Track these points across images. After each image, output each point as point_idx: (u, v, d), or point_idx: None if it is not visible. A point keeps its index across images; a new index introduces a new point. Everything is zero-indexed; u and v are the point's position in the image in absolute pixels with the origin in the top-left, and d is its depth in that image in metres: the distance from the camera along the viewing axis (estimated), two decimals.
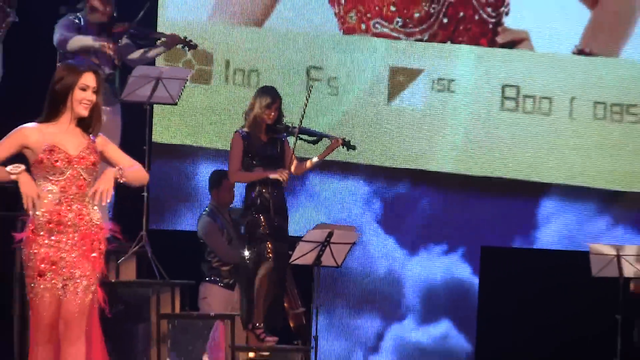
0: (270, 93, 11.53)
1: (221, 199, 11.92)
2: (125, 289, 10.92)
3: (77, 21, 11.68)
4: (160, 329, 10.90)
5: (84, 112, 7.87)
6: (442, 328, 14.14)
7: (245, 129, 11.32)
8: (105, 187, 7.80)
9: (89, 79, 7.94)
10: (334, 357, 14.16)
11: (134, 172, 8.16)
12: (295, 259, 11.15)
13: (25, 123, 8.07)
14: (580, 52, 13.83)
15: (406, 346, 14.22)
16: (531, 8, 13.88)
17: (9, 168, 7.75)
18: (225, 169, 12.01)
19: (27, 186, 7.85)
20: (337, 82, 13.96)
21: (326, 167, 13.57)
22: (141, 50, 11.99)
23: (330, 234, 11.14)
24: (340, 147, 11.45)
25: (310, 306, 11.51)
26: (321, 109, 13.75)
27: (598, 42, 13.91)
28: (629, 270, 11.96)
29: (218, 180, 11.98)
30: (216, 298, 11.72)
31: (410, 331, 14.14)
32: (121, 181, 8.06)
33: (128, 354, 10.89)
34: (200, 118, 14.13)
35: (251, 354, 11.25)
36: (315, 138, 11.53)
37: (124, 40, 11.68)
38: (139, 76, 11.51)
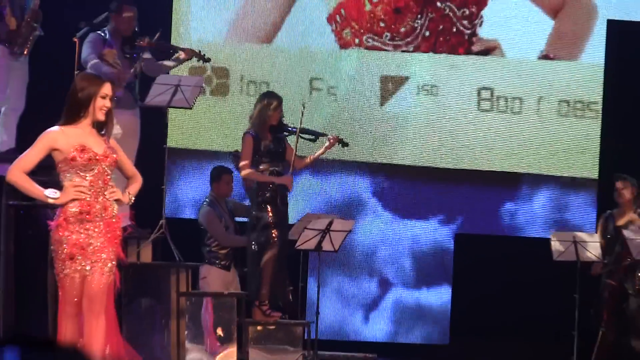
0: (274, 97, 12.05)
1: (220, 192, 12.43)
2: (148, 270, 11.26)
3: (102, 35, 11.99)
4: (179, 305, 11.24)
5: (102, 117, 8.34)
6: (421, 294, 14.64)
7: (254, 130, 11.82)
8: (120, 204, 8.46)
9: (107, 88, 8.42)
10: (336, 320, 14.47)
11: (135, 189, 8.62)
12: (300, 244, 11.69)
13: (43, 128, 8.74)
14: (545, 57, 14.44)
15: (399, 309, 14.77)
16: (501, 19, 14.48)
17: (47, 192, 8.28)
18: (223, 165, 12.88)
19: (67, 197, 8.26)
20: (336, 90, 14.50)
21: (329, 163, 14.36)
22: (161, 62, 12.22)
23: (330, 223, 11.67)
24: (336, 144, 12.11)
25: (299, 285, 12.12)
26: (323, 113, 14.37)
27: (560, 47, 14.54)
28: (583, 255, 12.40)
29: (218, 175, 12.52)
30: (214, 278, 12.19)
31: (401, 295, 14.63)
32: (129, 203, 8.71)
33: (151, 327, 11.28)
34: (218, 125, 14.56)
35: (259, 327, 11.68)
36: (313, 137, 12.08)
37: (146, 54, 11.98)
38: (160, 83, 11.78)
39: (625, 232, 12.40)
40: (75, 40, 11.76)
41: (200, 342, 11.67)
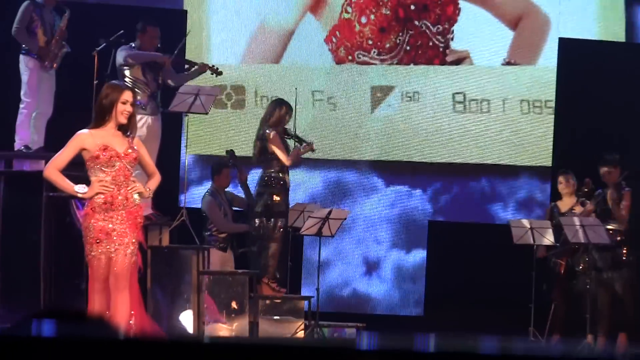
0: (289, 106, 12.48)
1: (220, 183, 12.74)
2: (172, 252, 11.72)
3: (133, 46, 12.22)
4: (199, 282, 11.63)
5: (124, 120, 8.55)
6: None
7: (278, 130, 12.24)
8: (142, 197, 8.66)
9: (128, 95, 8.65)
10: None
11: (154, 185, 8.85)
12: (304, 231, 12.09)
13: (66, 130, 9.15)
14: (508, 63, 14.79)
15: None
16: (470, 33, 14.80)
17: (77, 188, 8.56)
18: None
19: (93, 191, 8.43)
20: (334, 99, 14.84)
21: (330, 161, 14.84)
22: (180, 74, 12.60)
23: (329, 212, 12.07)
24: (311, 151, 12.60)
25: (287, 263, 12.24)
26: (324, 119, 14.78)
27: (520, 54, 14.82)
28: (539, 239, 12.52)
29: (218, 169, 12.82)
30: (214, 258, 12.22)
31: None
32: (148, 197, 8.99)
33: (177, 301, 11.68)
34: (237, 133, 14.80)
35: (267, 301, 12.01)
36: (300, 142, 12.57)
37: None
38: (182, 92, 12.15)
39: (562, 219, 12.48)
40: (94, 54, 11.97)
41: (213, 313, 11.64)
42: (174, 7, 14.45)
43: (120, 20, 12.88)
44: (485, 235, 14.01)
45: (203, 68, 12.67)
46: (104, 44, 12.12)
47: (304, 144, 12.31)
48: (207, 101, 12.25)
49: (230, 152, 13.11)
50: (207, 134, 14.54)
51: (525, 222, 12.69)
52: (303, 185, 14.65)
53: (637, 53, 14.26)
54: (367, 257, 14.88)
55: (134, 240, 8.58)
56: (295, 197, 13.72)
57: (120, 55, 11.98)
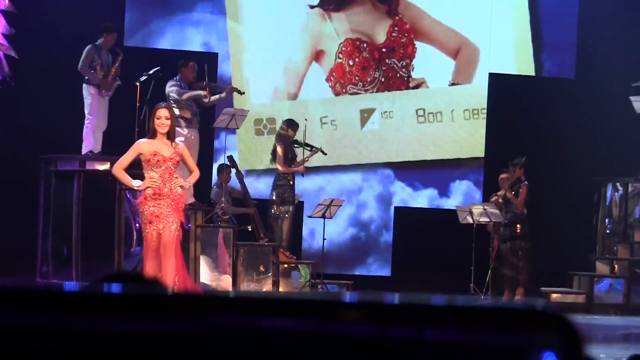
0: (295, 124, 12.79)
1: (223, 179, 12.71)
2: (216, 230, 11.91)
3: (182, 86, 12.17)
4: (236, 253, 11.92)
5: (162, 131, 8.48)
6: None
7: (284, 144, 12.48)
8: (183, 188, 8.64)
9: (161, 112, 8.55)
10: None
11: (194, 179, 8.76)
12: (315, 214, 12.66)
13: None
14: (452, 84, 15.01)
15: None
16: (425, 64, 15.04)
17: (134, 182, 8.53)
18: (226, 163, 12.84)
19: (144, 185, 8.48)
20: (335, 121, 14.93)
21: (331, 166, 14.65)
22: (214, 96, 12.42)
23: (332, 200, 12.67)
24: (319, 152, 12.78)
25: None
26: (330, 136, 14.75)
27: (460, 76, 15.04)
28: (476, 219, 12.44)
29: (222, 169, 12.82)
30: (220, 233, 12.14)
31: None
32: (188, 188, 9.06)
33: (219, 266, 11.84)
34: (264, 154, 14.22)
35: (285, 265, 12.41)
36: (309, 147, 12.69)
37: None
38: (224, 113, 12.28)
39: (486, 204, 12.87)
40: (137, 84, 12.03)
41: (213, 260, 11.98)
42: (208, 50, 14.47)
43: (158, 59, 13.12)
44: (439, 216, 14.27)
45: (232, 91, 12.89)
46: (145, 76, 12.20)
47: (314, 149, 12.79)
48: (239, 120, 12.49)
49: (230, 157, 13.13)
50: (253, 153, 14.57)
51: (466, 207, 12.91)
52: (317, 180, 14.67)
53: (540, 84, 14.94)
54: (353, 232, 14.96)
55: (177, 221, 8.52)
56: (311, 190, 14.25)
57: (170, 88, 12.13)
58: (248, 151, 14.51)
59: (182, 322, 1.16)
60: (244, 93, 13.09)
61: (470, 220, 12.58)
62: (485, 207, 12.53)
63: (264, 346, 1.12)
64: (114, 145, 12.01)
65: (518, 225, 12.69)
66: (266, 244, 12.44)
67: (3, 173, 13.16)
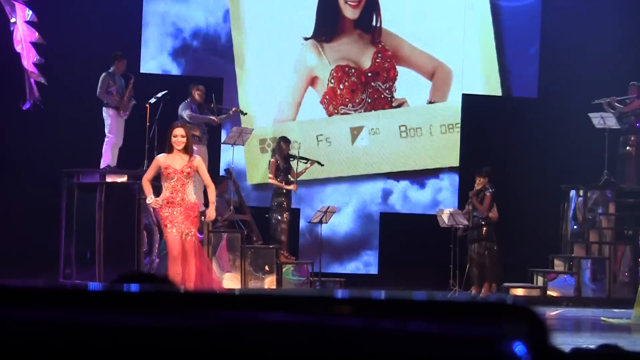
0: (288, 140, 12.89)
1: (221, 189, 12.48)
2: (218, 234, 11.99)
3: (193, 108, 12.24)
4: (244, 255, 12.02)
5: (178, 147, 8.55)
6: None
7: (276, 158, 12.59)
8: (209, 217, 8.87)
9: (177, 130, 8.64)
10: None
11: (212, 196, 8.72)
12: (312, 220, 12.91)
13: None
14: (430, 102, 15.12)
15: None
16: (406, 86, 15.07)
17: (147, 199, 8.68)
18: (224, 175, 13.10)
19: (151, 200, 8.64)
20: (330, 139, 14.94)
21: (331, 178, 14.68)
22: (221, 116, 12.60)
23: (327, 208, 12.90)
24: (315, 164, 12.86)
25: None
26: (325, 152, 14.66)
27: (437, 96, 15.15)
28: (447, 223, 12.66)
29: (221, 180, 12.70)
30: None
31: None
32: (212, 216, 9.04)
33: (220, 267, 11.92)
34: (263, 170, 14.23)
35: (286, 265, 12.41)
36: (304, 160, 12.81)
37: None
38: (234, 131, 12.53)
39: (453, 210, 13.12)
40: (147, 105, 12.09)
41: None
42: (214, 75, 14.37)
43: (169, 83, 13.09)
44: (422, 221, 14.24)
45: (236, 111, 13.02)
46: (155, 99, 12.20)
47: (309, 161, 12.84)
48: (245, 137, 12.74)
49: (227, 170, 13.13)
50: (258, 169, 14.43)
51: (447, 212, 12.97)
52: (315, 189, 14.75)
53: (506, 103, 14.98)
54: (345, 235, 14.98)
55: (190, 227, 8.48)
56: (309, 198, 14.41)
57: (183, 111, 12.17)
58: (254, 167, 14.49)
59: (191, 317, 1.17)
60: (246, 114, 13.14)
61: (447, 224, 12.73)
62: (451, 213, 12.75)
63: (266, 338, 1.12)
64: (127, 160, 12.26)
65: (484, 228, 12.78)
66: (271, 246, 12.51)
67: (29, 185, 13.21)
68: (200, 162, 8.66)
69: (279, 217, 12.71)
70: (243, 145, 12.93)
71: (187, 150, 8.51)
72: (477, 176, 12.96)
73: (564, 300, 12.76)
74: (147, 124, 12.01)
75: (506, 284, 12.82)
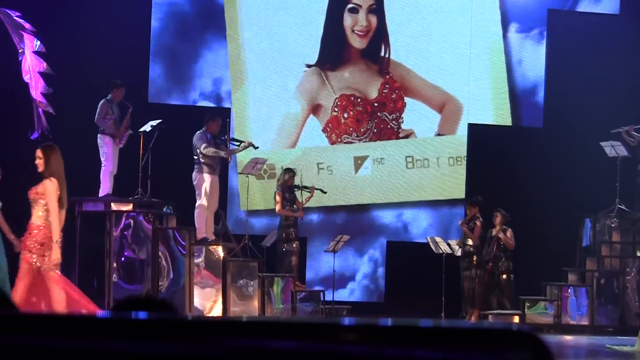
0: (292, 171, 13.06)
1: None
2: (246, 263, 12.28)
3: (207, 137, 12.35)
4: (263, 283, 12.26)
5: (38, 170, 8.31)
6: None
7: (282, 190, 12.82)
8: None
9: (37, 152, 8.34)
10: None
11: (55, 232, 8.13)
12: (328, 249, 13.12)
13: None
14: (438, 134, 15.12)
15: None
16: (413, 117, 15.06)
17: None
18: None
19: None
20: (331, 167, 14.89)
21: (331, 207, 14.76)
22: (232, 149, 12.64)
23: (341, 237, 13.19)
24: (318, 192, 13.00)
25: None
26: (325, 179, 14.61)
27: (445, 128, 15.16)
28: (443, 249, 13.08)
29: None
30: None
31: None
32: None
33: (250, 290, 12.16)
34: (263, 196, 14.46)
35: (301, 292, 12.62)
36: (308, 190, 12.92)
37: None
38: (251, 161, 12.92)
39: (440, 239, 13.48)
40: (141, 134, 12.19)
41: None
42: (218, 105, 14.40)
43: (173, 113, 13.25)
44: (426, 250, 13.85)
45: (248, 145, 12.85)
46: (150, 127, 12.29)
47: (312, 189, 12.96)
48: (259, 168, 13.09)
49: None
50: (253, 195, 14.07)
51: (438, 239, 13.38)
52: (318, 218, 14.82)
53: (512, 133, 15.00)
54: (350, 263, 14.97)
55: (24, 251, 8.13)
56: (313, 227, 14.51)
57: (199, 142, 12.22)
58: (249, 193, 13.95)
59: (198, 344, 1.17)
60: (257, 147, 12.97)
61: (440, 251, 13.04)
62: (437, 241, 13.14)
63: None
64: (119, 188, 12.19)
65: (474, 257, 13.03)
66: (288, 275, 12.56)
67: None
68: (46, 187, 8.19)
69: (290, 248, 12.84)
70: (255, 174, 13.07)
71: (44, 173, 8.16)
72: (468, 205, 13.29)
73: (544, 327, 12.72)
74: (141, 152, 12.08)
75: (485, 312, 12.88)
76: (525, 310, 12.83)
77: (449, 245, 13.19)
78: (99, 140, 12.36)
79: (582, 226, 13.76)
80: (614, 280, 13.16)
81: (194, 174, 12.37)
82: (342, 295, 14.42)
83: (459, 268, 13.19)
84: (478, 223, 13.07)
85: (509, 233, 13.10)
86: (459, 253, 13.18)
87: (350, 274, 15.01)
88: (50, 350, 1.17)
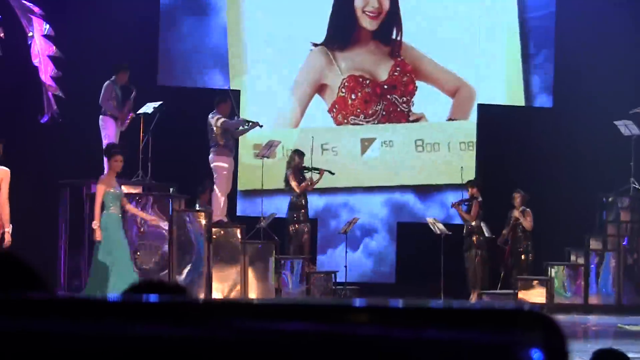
0: (302, 153, 13.19)
1: (205, 200, 12.99)
2: (267, 245, 12.51)
3: (215, 113, 12.36)
4: (278, 264, 12.47)
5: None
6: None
7: (292, 171, 12.87)
8: None
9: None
10: None
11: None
12: (341, 231, 13.25)
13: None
14: (450, 119, 15.19)
15: None
16: (424, 101, 15.16)
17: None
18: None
19: None
20: (336, 149, 14.95)
21: (337, 189, 14.80)
22: (242, 130, 12.86)
23: (353, 219, 13.35)
24: (326, 173, 13.03)
25: None
26: (330, 161, 14.43)
27: (457, 113, 15.22)
28: (440, 230, 13.33)
29: (204, 191, 13.08)
30: None
31: None
32: None
33: (269, 278, 12.47)
34: (271, 172, 13.96)
35: (315, 275, 12.71)
36: (317, 171, 13.08)
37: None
38: (267, 144, 12.98)
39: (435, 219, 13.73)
40: (141, 116, 12.28)
41: None
42: (220, 87, 14.31)
43: (182, 96, 13.37)
44: (425, 230, 14.01)
45: (255, 124, 12.83)
46: (152, 109, 12.33)
47: (321, 171, 13.02)
48: (273, 150, 13.12)
49: (208, 181, 13.14)
50: (251, 175, 14.21)
51: (431, 220, 13.65)
52: (321, 202, 14.82)
53: (522, 113, 15.04)
54: (364, 245, 15.13)
55: None
56: (321, 210, 14.59)
57: (214, 119, 12.19)
58: (247, 173, 14.28)
59: (209, 327, 1.17)
60: (262, 126, 12.98)
61: (438, 232, 13.25)
62: (433, 221, 13.44)
63: (282, 347, 1.12)
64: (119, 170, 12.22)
65: (474, 237, 13.18)
66: (301, 257, 12.71)
67: (39, 196, 12.85)
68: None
69: (301, 229, 12.88)
70: (269, 157, 13.06)
71: None
72: (466, 185, 13.44)
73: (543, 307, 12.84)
74: (142, 134, 12.10)
75: (481, 292, 13.05)
76: (519, 289, 12.83)
77: (444, 226, 13.38)
78: (100, 121, 12.36)
79: (598, 206, 13.73)
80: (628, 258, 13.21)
81: (211, 156, 12.40)
82: (353, 276, 14.31)
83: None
84: (475, 203, 13.19)
85: (528, 214, 13.19)
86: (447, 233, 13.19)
87: (363, 256, 15.00)
88: (60, 334, 1.17)
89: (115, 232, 9.95)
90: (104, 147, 12.02)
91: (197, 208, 12.67)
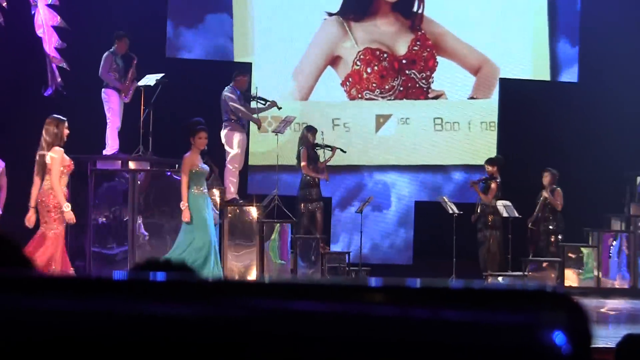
0: (314, 129, 13.07)
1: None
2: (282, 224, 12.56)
3: (237, 93, 12.38)
4: (294, 245, 12.61)
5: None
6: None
7: (306, 147, 12.80)
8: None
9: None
10: None
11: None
12: (358, 210, 13.34)
13: (126, 143, 10.10)
14: (471, 97, 15.14)
15: None
16: (445, 78, 15.12)
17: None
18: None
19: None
20: (348, 124, 14.91)
21: (350, 167, 14.94)
22: (260, 108, 12.80)
23: (368, 199, 13.45)
24: (338, 150, 13.04)
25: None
26: (341, 138, 14.53)
27: (480, 92, 15.18)
28: (452, 209, 13.41)
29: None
30: None
31: None
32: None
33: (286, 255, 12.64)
34: (282, 148, 14.02)
35: (328, 255, 12.77)
36: (329, 148, 13.00)
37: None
38: (284, 120, 13.00)
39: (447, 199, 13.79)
40: (142, 88, 12.21)
41: None
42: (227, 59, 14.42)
43: (190, 68, 13.46)
44: (441, 210, 14.00)
45: (273, 104, 12.78)
46: (153, 81, 12.23)
47: (333, 149, 12.97)
48: (287, 126, 13.10)
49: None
50: (256, 150, 14.37)
51: (444, 198, 13.73)
52: (334, 180, 14.60)
53: (546, 87, 14.98)
54: (378, 226, 15.17)
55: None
56: (336, 188, 14.54)
57: (229, 98, 12.13)
58: (252, 148, 14.20)
59: (220, 305, 1.17)
60: (281, 108, 12.89)
61: (450, 211, 13.31)
62: (446, 200, 13.56)
63: (296, 327, 1.13)
64: (124, 143, 12.10)
65: (490, 217, 13.20)
66: (313, 237, 12.72)
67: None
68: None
69: (313, 208, 12.89)
70: (282, 133, 13.06)
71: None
72: (486, 164, 13.39)
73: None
74: (142, 107, 12.03)
75: (488, 273, 13.04)
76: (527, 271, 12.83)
77: (456, 205, 13.46)
78: (103, 94, 12.29)
79: (625, 185, 13.69)
80: None
81: (224, 131, 12.28)
82: (368, 257, 14.43)
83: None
84: (494, 183, 13.18)
85: (558, 193, 13.13)
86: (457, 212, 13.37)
87: (379, 237, 15.06)
88: (65, 312, 1.17)
89: (201, 211, 10.07)
90: (107, 120, 12.08)
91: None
